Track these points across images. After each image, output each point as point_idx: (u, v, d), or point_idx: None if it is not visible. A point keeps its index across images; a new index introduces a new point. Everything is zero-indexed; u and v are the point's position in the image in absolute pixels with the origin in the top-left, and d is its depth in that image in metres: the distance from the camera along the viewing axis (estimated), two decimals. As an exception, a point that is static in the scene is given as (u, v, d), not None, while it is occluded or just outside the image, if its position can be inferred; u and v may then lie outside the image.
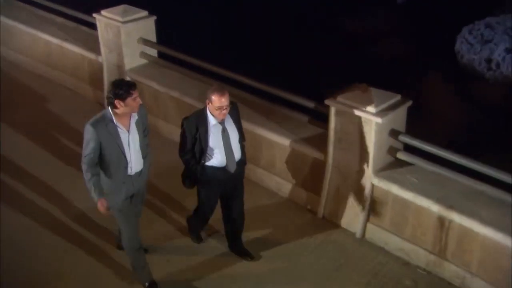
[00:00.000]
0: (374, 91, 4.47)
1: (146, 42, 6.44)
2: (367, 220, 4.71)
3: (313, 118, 5.13)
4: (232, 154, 4.04)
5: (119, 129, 3.70)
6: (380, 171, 4.58)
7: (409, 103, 4.54)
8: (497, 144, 6.39)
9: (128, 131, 3.75)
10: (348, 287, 4.26)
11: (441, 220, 4.23)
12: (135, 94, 3.64)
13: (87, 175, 3.72)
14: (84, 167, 3.72)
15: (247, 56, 8.08)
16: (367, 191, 4.62)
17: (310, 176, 5.07)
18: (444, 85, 7.78)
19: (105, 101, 3.74)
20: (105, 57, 6.65)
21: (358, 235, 4.75)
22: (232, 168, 4.08)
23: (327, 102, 4.60)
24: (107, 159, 3.73)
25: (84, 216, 4.96)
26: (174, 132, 6.19)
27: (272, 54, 8.35)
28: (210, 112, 3.90)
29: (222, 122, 3.95)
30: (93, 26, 6.84)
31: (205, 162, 4.03)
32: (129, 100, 3.61)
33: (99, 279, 4.35)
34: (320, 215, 4.99)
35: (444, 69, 8.04)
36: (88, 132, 3.65)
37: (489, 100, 7.17)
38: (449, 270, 4.27)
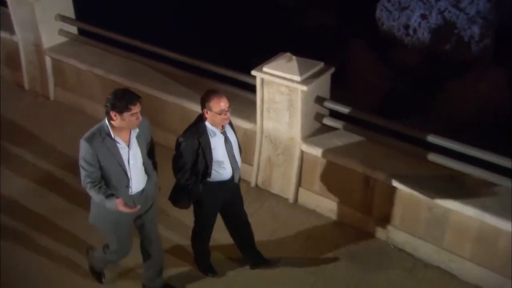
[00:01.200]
0: (299, 60, 4.61)
1: (64, 19, 6.17)
2: (298, 185, 4.91)
3: (241, 89, 5.21)
4: (236, 164, 3.75)
5: (118, 144, 3.34)
6: (309, 137, 4.78)
7: (332, 70, 4.72)
8: (415, 106, 6.82)
9: (128, 146, 3.38)
10: (283, 251, 4.45)
11: (366, 180, 4.50)
12: (135, 109, 3.25)
13: (95, 190, 3.34)
14: (88, 186, 3.34)
15: (172, 29, 7.96)
16: (297, 157, 4.81)
17: (242, 147, 5.16)
18: (367, 52, 8.09)
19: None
20: (20, 36, 6.32)
21: (290, 200, 4.96)
22: (238, 178, 3.84)
23: (254, 73, 4.69)
24: (107, 178, 3.37)
25: (13, 203, 4.80)
26: (99, 111, 6.03)
27: (198, 27, 8.27)
28: (209, 122, 3.56)
29: (223, 131, 3.64)
30: (3, 3, 6.45)
31: (209, 179, 3.68)
32: (126, 114, 3.23)
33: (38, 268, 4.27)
34: (253, 184, 5.13)
35: (367, 36, 8.33)
36: (84, 148, 3.29)
37: (407, 64, 7.56)
38: (375, 225, 4.58)
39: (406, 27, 7.75)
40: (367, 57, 7.97)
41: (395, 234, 4.49)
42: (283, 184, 4.98)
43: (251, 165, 5.09)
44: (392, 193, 4.40)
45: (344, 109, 4.71)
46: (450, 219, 4.14)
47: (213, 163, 3.62)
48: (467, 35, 7.15)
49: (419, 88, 7.29)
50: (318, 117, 4.82)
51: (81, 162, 3.33)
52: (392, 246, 4.49)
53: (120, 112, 3.22)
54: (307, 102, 4.63)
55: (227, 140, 3.65)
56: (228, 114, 3.56)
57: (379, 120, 4.61)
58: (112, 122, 3.29)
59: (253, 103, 4.91)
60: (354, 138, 4.72)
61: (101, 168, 3.33)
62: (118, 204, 3.32)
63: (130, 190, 3.45)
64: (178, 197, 3.78)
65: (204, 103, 3.53)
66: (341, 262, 4.36)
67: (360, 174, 4.51)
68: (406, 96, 7.26)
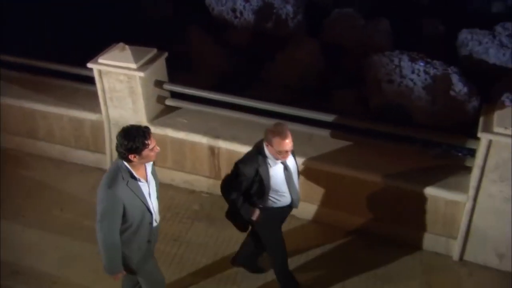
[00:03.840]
0: (132, 49, 4.49)
1: None
2: (152, 163, 4.83)
3: (82, 83, 4.92)
4: (296, 190, 3.41)
5: (140, 183, 2.92)
6: (154, 119, 4.72)
7: (165, 55, 4.69)
8: (251, 78, 7.11)
9: (147, 181, 2.99)
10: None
11: (212, 149, 4.62)
12: (152, 143, 2.85)
13: (111, 244, 2.90)
14: (108, 238, 2.88)
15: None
16: (146, 139, 4.72)
17: (92, 137, 4.93)
18: (204, 36, 8.13)
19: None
20: None
21: (147, 179, 4.88)
22: (297, 203, 3.48)
23: (90, 65, 4.45)
24: (130, 221, 2.92)
25: None
26: None
27: (26, 24, 7.46)
28: (270, 153, 3.23)
29: (283, 161, 3.32)
30: None
31: (268, 205, 3.37)
32: (146, 151, 2.83)
33: None
34: (109, 170, 4.94)
35: (202, 22, 8.37)
36: (109, 197, 2.80)
37: (240, 43, 7.80)
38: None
39: (234, 10, 7.96)
40: (205, 41, 8.02)
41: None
42: (138, 166, 4.86)
43: (104, 153, 4.87)
44: (235, 157, 4.52)
45: (183, 89, 4.72)
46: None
47: (271, 191, 3.31)
48: (283, 13, 7.60)
49: (252, 63, 7.58)
50: (160, 99, 4.77)
51: (105, 213, 2.83)
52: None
53: (139, 152, 2.82)
54: (147, 87, 4.55)
55: (286, 168, 3.34)
56: (289, 154, 3.24)
57: (214, 95, 4.71)
58: (130, 163, 2.88)
59: (96, 95, 4.67)
60: (196, 114, 4.79)
61: (125, 214, 2.88)
62: (118, 275, 3.03)
63: (155, 223, 3.10)
64: (236, 218, 3.47)
65: (267, 136, 3.21)
66: (200, 223, 4.45)
67: (205, 145, 4.60)
68: (242, 71, 7.50)
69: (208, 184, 4.78)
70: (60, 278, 3.93)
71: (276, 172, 3.28)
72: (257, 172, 3.23)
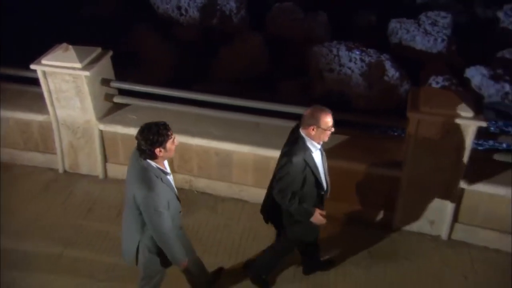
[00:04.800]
0: (76, 49, 4.40)
1: None
2: (105, 161, 4.78)
3: (28, 85, 4.75)
4: (328, 176, 3.29)
5: (168, 176, 2.97)
6: (104, 117, 4.65)
7: (110, 53, 4.62)
8: (200, 73, 7.12)
9: (169, 172, 3.02)
10: (102, 222, 4.36)
11: (163, 143, 4.59)
12: (173, 134, 2.85)
13: (172, 239, 2.97)
14: (169, 230, 2.93)
15: None
16: (97, 137, 4.66)
17: (41, 138, 4.80)
18: (151, 34, 8.04)
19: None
20: None
21: (101, 176, 4.83)
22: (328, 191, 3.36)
23: (33, 66, 4.32)
24: (171, 213, 2.96)
25: None
26: None
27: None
28: (312, 138, 3.07)
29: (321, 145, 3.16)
30: None
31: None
32: (168, 143, 2.83)
33: None
34: (61, 170, 4.85)
35: (147, 20, 8.26)
36: (154, 197, 2.81)
37: (187, 39, 7.78)
38: (179, 179, 4.75)
39: (179, 8, 7.92)
40: (152, 39, 7.94)
41: (196, 182, 4.75)
42: (90, 163, 4.79)
43: (55, 153, 4.75)
44: (187, 149, 4.59)
45: (130, 86, 4.68)
46: (234, 158, 4.52)
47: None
48: (227, 10, 7.65)
49: (199, 58, 7.59)
50: (108, 97, 4.70)
51: (159, 211, 2.84)
52: (195, 192, 4.73)
53: (164, 144, 2.81)
54: (94, 86, 4.47)
55: (322, 154, 3.24)
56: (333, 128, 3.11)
57: (162, 90, 4.68)
58: (156, 160, 2.87)
59: (42, 96, 4.54)
60: (145, 109, 4.76)
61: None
62: (184, 264, 3.13)
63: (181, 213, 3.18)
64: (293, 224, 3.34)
65: (310, 120, 3.04)
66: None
67: (156, 139, 4.57)
68: (190, 67, 7.50)
69: (161, 177, 4.77)
70: (16, 280, 3.82)
71: (316, 158, 3.18)
72: (305, 163, 3.12)
